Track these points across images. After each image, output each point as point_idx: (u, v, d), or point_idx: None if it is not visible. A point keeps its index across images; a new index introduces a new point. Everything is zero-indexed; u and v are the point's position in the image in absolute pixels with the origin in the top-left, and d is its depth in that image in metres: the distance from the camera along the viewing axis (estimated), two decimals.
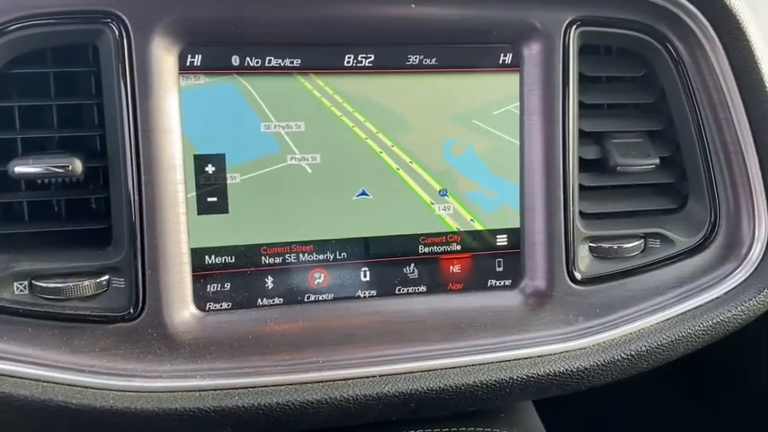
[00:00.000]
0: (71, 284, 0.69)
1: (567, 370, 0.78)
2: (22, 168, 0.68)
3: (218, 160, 0.74)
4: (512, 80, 0.80)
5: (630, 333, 0.80)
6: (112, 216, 0.71)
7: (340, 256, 0.78)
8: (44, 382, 0.68)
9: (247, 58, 0.73)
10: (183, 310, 0.73)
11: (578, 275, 0.82)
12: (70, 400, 0.67)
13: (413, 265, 0.80)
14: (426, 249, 0.80)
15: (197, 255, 0.74)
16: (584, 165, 0.83)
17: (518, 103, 0.80)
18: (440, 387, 0.75)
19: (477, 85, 0.79)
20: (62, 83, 0.71)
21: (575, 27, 0.79)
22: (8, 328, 0.69)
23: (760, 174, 0.83)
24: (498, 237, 0.82)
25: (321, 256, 0.77)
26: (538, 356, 0.78)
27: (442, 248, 0.80)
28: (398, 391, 0.74)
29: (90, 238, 0.72)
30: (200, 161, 0.73)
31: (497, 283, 0.82)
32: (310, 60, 0.74)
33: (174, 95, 0.71)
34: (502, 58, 0.79)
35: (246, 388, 0.71)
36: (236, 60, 0.73)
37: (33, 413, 0.68)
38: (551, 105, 0.79)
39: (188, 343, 0.73)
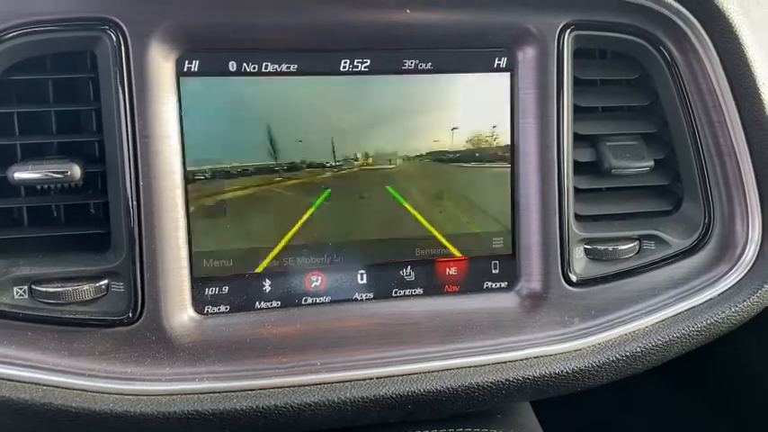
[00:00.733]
0: (70, 289, 0.70)
1: (562, 371, 0.78)
2: (21, 174, 0.68)
3: (216, 165, 0.74)
4: (506, 84, 0.81)
5: (626, 334, 0.81)
6: (111, 221, 0.72)
7: (337, 259, 0.79)
8: (44, 385, 0.68)
9: (244, 64, 0.74)
10: (181, 313, 0.74)
11: (574, 277, 0.82)
12: (70, 404, 0.68)
13: (409, 267, 0.80)
14: (422, 252, 0.81)
15: (195, 259, 0.74)
16: (579, 167, 0.83)
17: (513, 107, 0.81)
18: (436, 389, 0.75)
19: (471, 89, 0.80)
20: (61, 89, 0.72)
21: (569, 31, 0.80)
22: (8, 333, 0.69)
23: (753, 176, 0.83)
24: (494, 239, 0.83)
25: (318, 260, 0.78)
26: (534, 358, 0.79)
27: (438, 251, 0.81)
28: (395, 394, 0.74)
29: (89, 242, 0.73)
30: (197, 166, 0.74)
31: (493, 286, 0.82)
32: (307, 66, 0.75)
33: (172, 101, 0.72)
34: (497, 62, 0.80)
35: (245, 391, 0.72)
36: (233, 66, 0.73)
37: (33, 417, 0.68)
38: (546, 109, 0.80)
39: (187, 346, 0.73)
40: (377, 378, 0.75)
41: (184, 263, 0.73)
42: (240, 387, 0.72)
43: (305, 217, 0.77)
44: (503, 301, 0.82)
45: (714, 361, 1.11)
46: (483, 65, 0.80)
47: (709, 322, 0.82)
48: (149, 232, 0.71)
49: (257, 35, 0.73)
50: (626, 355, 0.80)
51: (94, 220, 0.74)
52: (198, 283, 0.75)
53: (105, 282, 0.71)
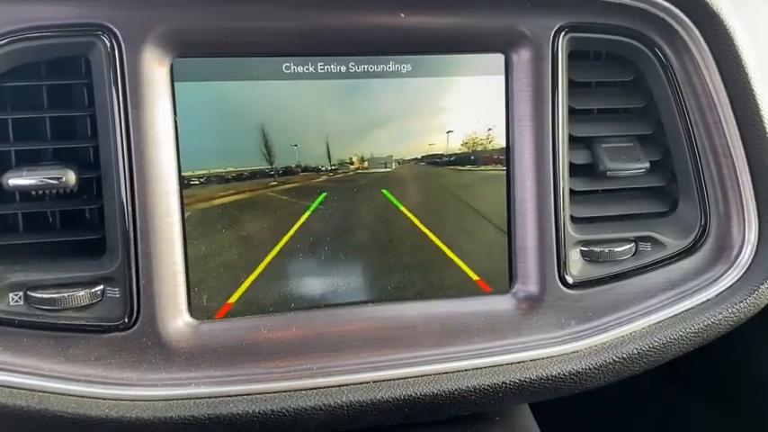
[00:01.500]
0: (66, 295, 0.70)
1: (559, 373, 0.78)
2: (15, 180, 0.68)
3: (211, 170, 0.74)
4: (501, 86, 0.81)
5: (622, 336, 0.81)
6: (106, 226, 0.72)
7: (333, 262, 0.78)
8: (40, 392, 0.68)
9: (239, 68, 0.73)
10: (177, 318, 0.74)
11: (570, 279, 0.82)
12: (66, 410, 0.68)
13: (405, 271, 0.80)
14: (418, 255, 0.80)
15: (191, 263, 0.74)
16: (575, 170, 0.83)
17: (508, 109, 0.81)
18: (433, 392, 0.75)
19: (466, 92, 0.80)
20: (55, 95, 0.72)
21: (563, 33, 0.80)
22: (4, 339, 0.69)
23: (749, 176, 0.83)
24: (490, 242, 0.82)
25: (314, 264, 0.78)
26: (531, 360, 0.79)
27: (433, 254, 0.81)
28: (392, 397, 0.74)
29: (84, 248, 0.72)
30: (193, 171, 0.74)
31: (489, 288, 0.82)
32: (301, 69, 0.75)
33: (167, 106, 0.72)
34: (491, 65, 0.80)
35: (241, 395, 0.72)
36: (227, 70, 0.73)
37: (29, 423, 0.68)
38: (541, 111, 0.80)
39: (183, 351, 0.73)
40: (373, 382, 0.75)
41: (180, 268, 0.73)
42: (236, 392, 0.72)
43: (301, 221, 0.77)
44: (499, 304, 0.82)
45: (716, 362, 1.11)
46: (478, 68, 0.80)
47: (705, 324, 0.82)
48: (144, 237, 0.71)
49: (251, 39, 0.73)
50: (623, 357, 0.80)
51: (90, 226, 0.74)
52: (193, 288, 0.75)
53: (101, 287, 0.71)
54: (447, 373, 0.77)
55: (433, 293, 0.81)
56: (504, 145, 0.81)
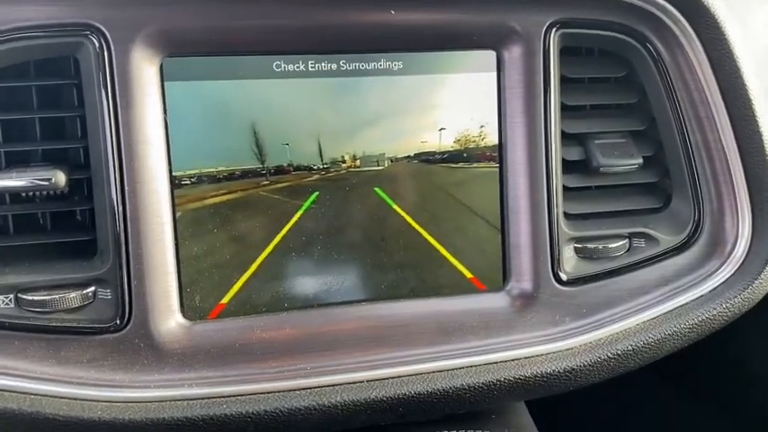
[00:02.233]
0: (57, 297, 0.70)
1: (554, 371, 0.78)
2: (5, 182, 0.68)
3: (203, 170, 0.74)
4: (492, 83, 0.80)
5: (617, 332, 0.81)
6: (97, 227, 0.71)
7: (326, 261, 0.78)
8: (32, 394, 0.68)
9: (229, 67, 0.73)
10: (169, 319, 0.73)
11: (564, 276, 0.82)
12: (58, 413, 0.68)
13: (398, 269, 0.80)
14: (411, 253, 0.80)
15: (183, 264, 0.74)
16: (568, 166, 0.83)
17: (500, 106, 0.81)
18: (428, 391, 0.75)
19: (458, 89, 0.80)
20: (44, 96, 0.71)
21: (555, 29, 0.80)
22: None
23: (742, 171, 0.83)
24: (483, 239, 0.82)
25: (307, 263, 0.77)
26: (525, 358, 0.79)
27: (427, 252, 0.80)
28: (386, 396, 0.74)
29: (75, 249, 0.72)
30: (183, 171, 0.73)
31: (483, 286, 0.82)
32: (291, 68, 0.75)
33: (157, 106, 0.72)
34: (483, 61, 0.80)
35: (234, 396, 0.72)
36: (217, 69, 0.73)
37: (21, 426, 0.68)
38: (533, 108, 0.80)
39: (175, 352, 0.73)
40: (367, 381, 0.75)
41: (172, 268, 0.73)
42: (230, 392, 0.72)
43: (293, 220, 0.77)
44: (493, 302, 0.82)
45: (711, 358, 1.11)
46: (469, 65, 0.80)
47: (700, 319, 0.82)
48: (136, 238, 0.71)
49: (241, 38, 0.73)
50: (618, 354, 0.80)
51: (80, 227, 0.73)
52: (186, 288, 0.74)
53: (92, 289, 0.71)
54: (441, 371, 0.77)
55: (426, 292, 0.81)
56: (496, 142, 0.81)
